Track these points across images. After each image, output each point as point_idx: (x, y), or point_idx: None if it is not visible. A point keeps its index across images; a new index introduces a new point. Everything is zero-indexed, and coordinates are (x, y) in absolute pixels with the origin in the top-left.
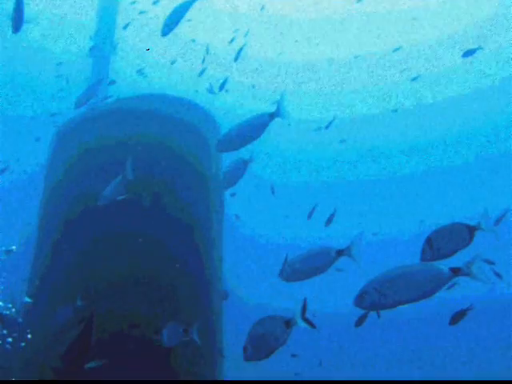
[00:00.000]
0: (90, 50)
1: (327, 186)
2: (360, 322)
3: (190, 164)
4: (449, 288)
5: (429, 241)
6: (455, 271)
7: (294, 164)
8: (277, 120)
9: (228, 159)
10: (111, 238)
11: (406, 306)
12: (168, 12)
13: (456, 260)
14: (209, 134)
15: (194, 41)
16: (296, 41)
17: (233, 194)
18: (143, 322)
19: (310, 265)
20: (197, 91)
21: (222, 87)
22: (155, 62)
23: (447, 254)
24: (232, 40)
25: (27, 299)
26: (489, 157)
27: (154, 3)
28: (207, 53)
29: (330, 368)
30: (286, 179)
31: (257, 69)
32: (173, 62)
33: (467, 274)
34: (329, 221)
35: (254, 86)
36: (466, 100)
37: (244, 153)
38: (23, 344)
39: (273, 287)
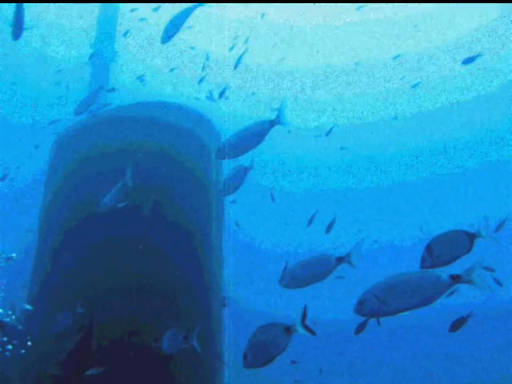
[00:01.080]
0: (90, 57)
1: (327, 193)
2: (360, 329)
3: (191, 171)
4: (449, 295)
5: (429, 248)
6: (455, 278)
7: (294, 171)
8: (277, 127)
9: (228, 166)
10: (111, 245)
11: (406, 313)
12: (168, 19)
13: (456, 267)
14: (209, 141)
15: (193, 48)
16: (296, 48)
17: (233, 201)
18: (143, 329)
19: (310, 272)
20: (197, 98)
21: (221, 95)
22: (155, 69)
23: (447, 262)
24: (232, 47)
25: (27, 306)
26: (489, 164)
27: (154, 10)
28: (207, 60)
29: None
30: (286, 186)
31: (257, 76)
32: (172, 70)
33: (467, 282)
34: (329, 228)
35: (253, 94)
36: (466, 107)
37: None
38: (23, 351)
39: (273, 294)
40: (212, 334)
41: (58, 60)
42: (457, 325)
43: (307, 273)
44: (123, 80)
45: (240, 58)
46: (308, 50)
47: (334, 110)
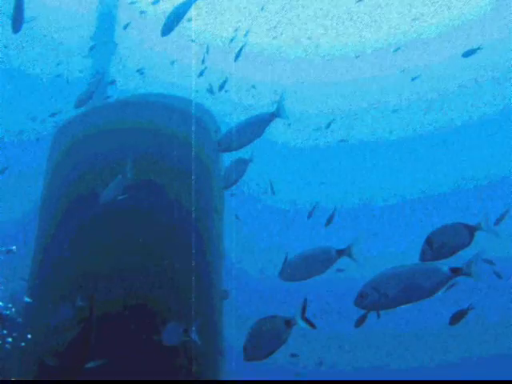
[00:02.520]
0: (90, 49)
1: (326, 185)
2: (360, 322)
3: (197, 165)
4: (449, 288)
5: (429, 241)
6: (455, 271)
7: (293, 163)
8: (277, 120)
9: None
10: (112, 239)
11: (406, 305)
12: (168, 12)
13: (456, 260)
14: (212, 131)
15: (194, 41)
16: (296, 40)
17: (233, 194)
18: (144, 322)
19: (310, 265)
20: (197, 91)
21: (221, 87)
22: (155, 62)
23: (447, 254)
24: (232, 40)
25: (27, 299)
26: (489, 153)
27: (154, 3)
28: (207, 53)
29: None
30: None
31: (257, 69)
32: (173, 62)
33: (467, 274)
34: (328, 221)
35: (253, 86)
36: (465, 99)
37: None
38: (23, 344)
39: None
40: (213, 326)
41: (59, 52)
42: (457, 317)
43: (307, 266)
44: (123, 73)
45: (240, 50)
46: (308, 42)
47: (333, 102)
